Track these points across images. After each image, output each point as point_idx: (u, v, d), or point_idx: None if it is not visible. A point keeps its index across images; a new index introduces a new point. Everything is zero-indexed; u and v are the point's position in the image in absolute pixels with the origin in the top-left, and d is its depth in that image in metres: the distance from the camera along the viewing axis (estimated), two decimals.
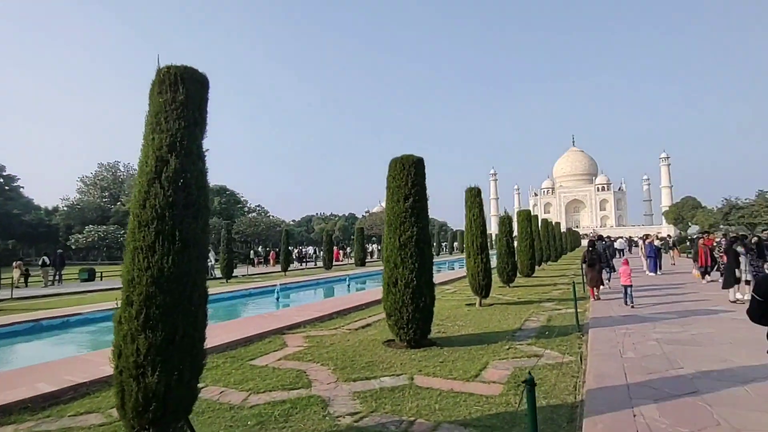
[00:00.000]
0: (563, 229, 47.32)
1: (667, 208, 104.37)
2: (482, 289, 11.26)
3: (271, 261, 35.57)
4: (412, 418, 4.17)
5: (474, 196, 11.62)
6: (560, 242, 35.76)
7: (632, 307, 10.15)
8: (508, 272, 15.39)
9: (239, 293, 17.12)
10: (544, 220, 28.18)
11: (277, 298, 15.59)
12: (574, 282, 8.45)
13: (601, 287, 12.30)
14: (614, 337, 7.22)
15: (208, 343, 3.61)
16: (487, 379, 5.42)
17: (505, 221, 15.93)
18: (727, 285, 10.61)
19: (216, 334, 7.42)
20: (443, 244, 66.74)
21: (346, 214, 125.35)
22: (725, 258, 11.82)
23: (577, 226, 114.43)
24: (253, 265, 35.60)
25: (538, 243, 23.49)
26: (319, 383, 5.34)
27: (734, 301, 10.31)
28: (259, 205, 77.92)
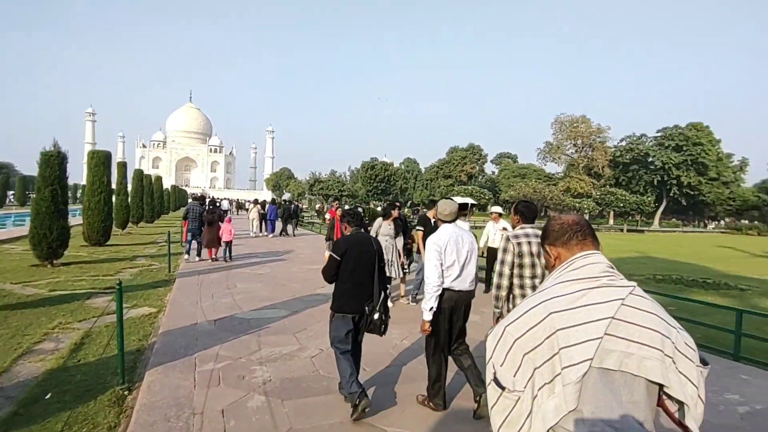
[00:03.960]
0: (167, 185, 42.05)
1: (269, 176, 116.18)
2: None
3: None
4: None
5: None
6: (160, 200, 30.59)
7: (227, 261, 11.17)
8: (51, 243, 9.53)
9: None
10: (138, 171, 22.38)
11: None
12: (120, 282, 4.03)
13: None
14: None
15: None
16: None
17: (52, 163, 9.80)
18: None
19: None
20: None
21: None
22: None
23: (187, 185, 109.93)
24: None
25: (120, 200, 17.76)
26: None
27: None
28: None
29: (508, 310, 3.32)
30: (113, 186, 15.35)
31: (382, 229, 7.02)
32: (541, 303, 1.25)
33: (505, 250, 3.24)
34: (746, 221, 61.15)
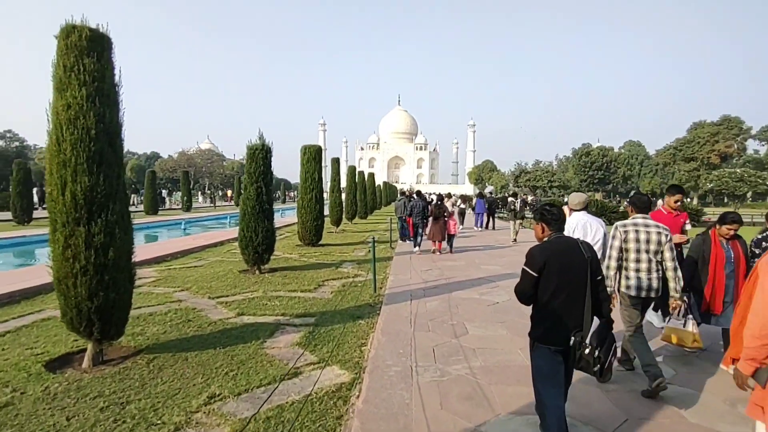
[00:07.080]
0: (378, 182, 43.59)
1: (471, 170, 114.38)
2: None
3: None
4: None
5: None
6: (372, 196, 31.05)
7: (451, 252, 11.92)
8: (257, 247, 8.48)
9: None
10: (351, 167, 22.22)
11: None
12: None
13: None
14: None
15: None
16: None
17: (257, 157, 8.69)
18: None
19: None
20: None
21: (148, 153, 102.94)
22: None
23: (396, 181, 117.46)
24: None
25: (334, 197, 17.28)
26: None
27: None
28: None
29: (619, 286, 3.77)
30: (326, 183, 14.72)
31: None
32: None
33: (613, 237, 3.74)
34: None
